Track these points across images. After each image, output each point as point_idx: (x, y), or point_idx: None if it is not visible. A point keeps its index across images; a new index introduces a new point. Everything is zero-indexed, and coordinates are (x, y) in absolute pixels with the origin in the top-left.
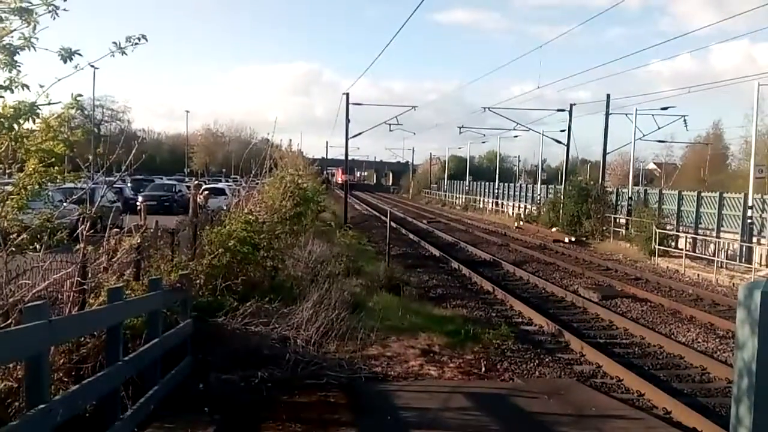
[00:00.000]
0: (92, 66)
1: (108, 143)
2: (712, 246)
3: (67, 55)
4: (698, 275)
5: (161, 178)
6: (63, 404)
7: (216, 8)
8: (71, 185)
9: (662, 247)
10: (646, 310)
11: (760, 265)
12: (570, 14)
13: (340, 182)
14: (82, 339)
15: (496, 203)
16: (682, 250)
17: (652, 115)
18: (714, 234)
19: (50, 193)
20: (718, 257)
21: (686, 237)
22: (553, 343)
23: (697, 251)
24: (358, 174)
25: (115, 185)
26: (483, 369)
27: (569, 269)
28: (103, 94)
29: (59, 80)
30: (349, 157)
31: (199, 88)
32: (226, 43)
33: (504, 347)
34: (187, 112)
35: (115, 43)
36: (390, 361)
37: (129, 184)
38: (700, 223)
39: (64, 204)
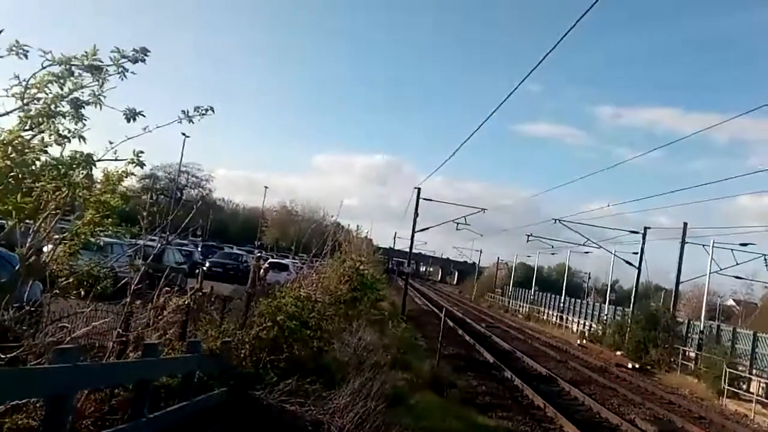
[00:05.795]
0: (184, 135)
1: (187, 208)
2: None
3: (131, 115)
4: None
5: (231, 248)
6: None
7: (304, 99)
8: (142, 242)
9: (732, 388)
10: None
11: None
12: (656, 140)
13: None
14: (116, 390)
15: (561, 317)
16: (753, 394)
17: (731, 249)
18: None
19: (122, 245)
20: None
21: (759, 381)
22: None
23: None
24: (423, 268)
25: (185, 248)
26: None
27: (629, 397)
28: (191, 160)
29: (128, 139)
30: (417, 251)
31: (281, 167)
32: (311, 128)
33: None
34: (266, 188)
35: (183, 111)
36: None
37: (199, 249)
38: None
39: (135, 259)
